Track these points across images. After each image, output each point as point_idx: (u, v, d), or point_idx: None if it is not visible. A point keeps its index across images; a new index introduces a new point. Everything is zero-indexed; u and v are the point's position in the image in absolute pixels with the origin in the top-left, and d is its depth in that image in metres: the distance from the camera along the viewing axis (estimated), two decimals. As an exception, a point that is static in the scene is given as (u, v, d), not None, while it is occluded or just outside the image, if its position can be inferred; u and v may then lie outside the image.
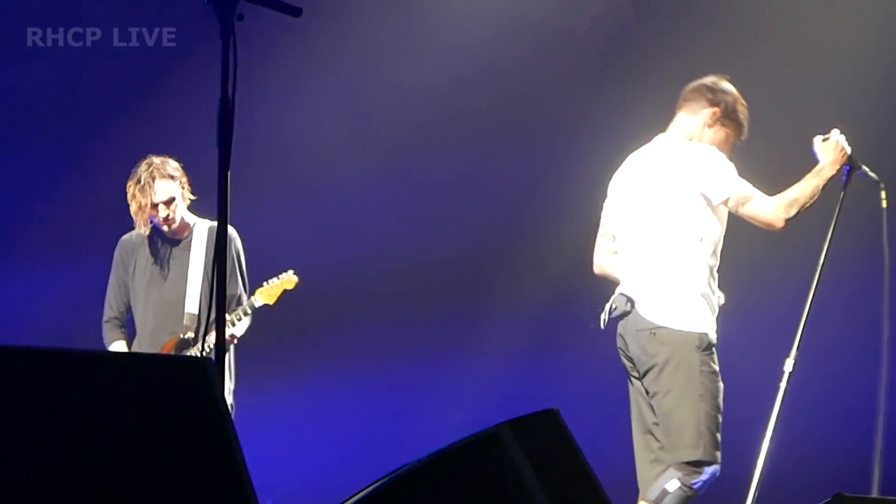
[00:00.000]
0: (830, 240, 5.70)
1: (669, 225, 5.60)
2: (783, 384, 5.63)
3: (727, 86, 5.80)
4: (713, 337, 5.58)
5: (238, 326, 6.54)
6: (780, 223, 5.64)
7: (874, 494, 5.59)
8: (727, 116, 5.74)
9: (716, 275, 5.66)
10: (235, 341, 6.53)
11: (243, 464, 2.78)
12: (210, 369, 2.81)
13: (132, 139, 8.22)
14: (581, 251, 7.67)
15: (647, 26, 8.18)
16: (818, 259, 5.69)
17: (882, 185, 5.79)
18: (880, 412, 5.62)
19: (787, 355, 5.66)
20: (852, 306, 5.79)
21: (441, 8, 8.31)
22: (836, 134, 5.75)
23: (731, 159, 5.71)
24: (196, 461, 2.72)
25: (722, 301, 5.77)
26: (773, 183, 5.72)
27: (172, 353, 6.21)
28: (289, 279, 6.60)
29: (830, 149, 5.73)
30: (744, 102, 5.79)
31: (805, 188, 5.66)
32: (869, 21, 7.93)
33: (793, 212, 5.62)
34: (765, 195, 5.64)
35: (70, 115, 8.33)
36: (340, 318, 8.29)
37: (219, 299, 3.49)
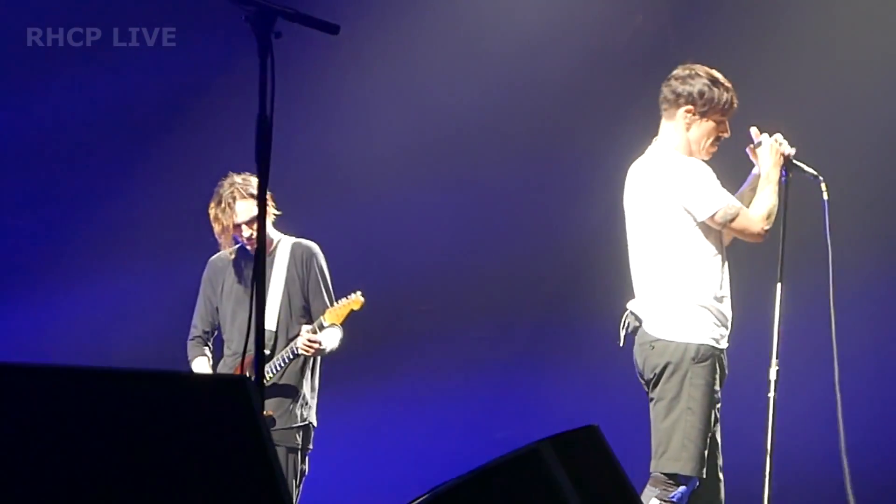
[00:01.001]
0: (783, 241, 5.66)
1: (662, 239, 5.57)
2: (771, 394, 5.57)
3: (694, 73, 5.66)
4: (716, 347, 5.53)
5: (325, 339, 6.50)
6: (763, 236, 5.63)
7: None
8: (703, 108, 5.61)
9: (724, 284, 5.60)
10: (315, 350, 6.47)
11: (283, 481, 2.78)
12: (249, 388, 2.81)
13: (139, 143, 8.29)
14: (587, 265, 7.68)
15: (686, 39, 8.16)
16: (777, 263, 5.66)
17: (821, 179, 5.73)
18: (837, 406, 5.54)
19: (769, 364, 5.61)
20: (823, 303, 5.71)
21: (482, 22, 8.32)
22: (766, 138, 5.71)
23: (729, 141, 5.69)
24: (234, 478, 2.73)
25: None
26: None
27: (247, 371, 6.21)
28: (356, 300, 6.53)
29: (767, 154, 5.70)
30: (719, 79, 5.65)
31: (771, 197, 5.65)
32: None
33: (771, 222, 5.64)
34: (748, 209, 5.60)
35: (71, 118, 8.38)
36: (376, 333, 8.28)
37: (258, 321, 3.48)
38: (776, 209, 5.65)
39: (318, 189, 8.32)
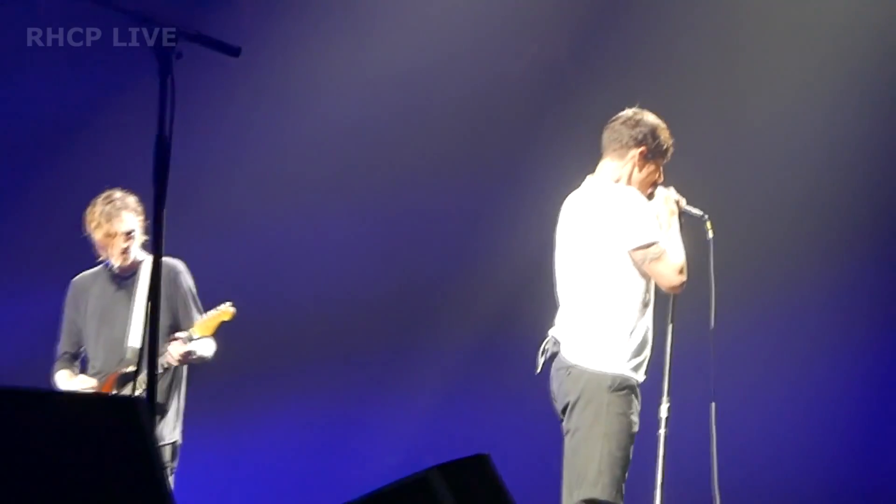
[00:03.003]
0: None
1: (590, 268, 5.58)
2: (662, 430, 5.61)
3: (643, 116, 5.73)
4: (633, 378, 5.53)
5: (198, 348, 6.41)
6: (680, 289, 5.65)
7: None
8: (654, 149, 5.67)
9: (646, 320, 5.62)
10: (188, 360, 6.40)
11: (171, 500, 2.77)
12: (140, 407, 2.80)
13: (130, 142, 8.21)
14: (521, 291, 7.71)
15: (582, 70, 8.24)
16: (668, 302, 5.70)
17: (706, 218, 5.80)
18: (712, 442, 5.63)
19: (660, 402, 5.65)
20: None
21: (382, 46, 8.32)
22: (658, 189, 5.76)
23: (664, 183, 5.73)
24: (124, 498, 2.71)
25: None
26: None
27: (113, 389, 6.13)
28: (225, 311, 6.45)
29: (662, 204, 5.73)
30: (660, 124, 5.73)
31: (680, 247, 5.64)
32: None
33: (685, 275, 5.60)
34: (672, 257, 5.61)
35: (69, 118, 8.31)
36: (270, 355, 8.24)
37: (152, 337, 3.47)
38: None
39: (220, 206, 8.29)
